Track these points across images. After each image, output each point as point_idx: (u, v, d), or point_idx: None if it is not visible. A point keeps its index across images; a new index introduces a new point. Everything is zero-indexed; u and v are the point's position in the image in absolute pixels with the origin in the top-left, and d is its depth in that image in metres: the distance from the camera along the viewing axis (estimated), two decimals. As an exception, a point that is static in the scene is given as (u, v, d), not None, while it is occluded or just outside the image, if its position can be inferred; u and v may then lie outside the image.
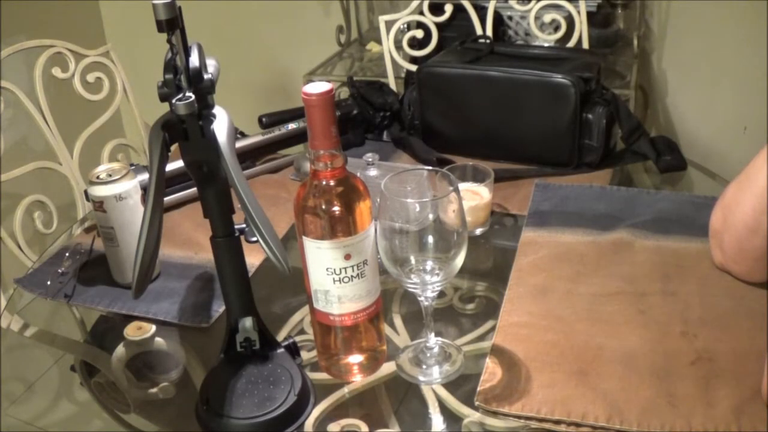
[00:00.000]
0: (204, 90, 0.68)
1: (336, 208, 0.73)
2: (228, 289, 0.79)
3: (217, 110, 0.70)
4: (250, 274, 1.01)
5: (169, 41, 0.66)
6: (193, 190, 1.20)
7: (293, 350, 0.83)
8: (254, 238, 0.69)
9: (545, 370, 0.81)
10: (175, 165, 1.19)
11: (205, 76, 0.68)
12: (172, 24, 0.65)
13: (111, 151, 1.52)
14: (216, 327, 0.92)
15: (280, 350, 0.81)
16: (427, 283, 0.78)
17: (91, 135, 1.50)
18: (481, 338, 0.88)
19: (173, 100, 0.66)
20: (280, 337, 0.90)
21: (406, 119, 1.37)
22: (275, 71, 2.49)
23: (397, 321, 0.92)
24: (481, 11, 1.70)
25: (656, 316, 0.88)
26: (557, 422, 0.74)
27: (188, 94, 0.67)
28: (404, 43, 1.69)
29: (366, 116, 1.37)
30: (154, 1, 0.63)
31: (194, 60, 0.68)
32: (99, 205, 0.96)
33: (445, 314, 0.93)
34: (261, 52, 2.50)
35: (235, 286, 0.79)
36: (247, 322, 0.79)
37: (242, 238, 0.76)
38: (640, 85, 2.03)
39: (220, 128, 0.69)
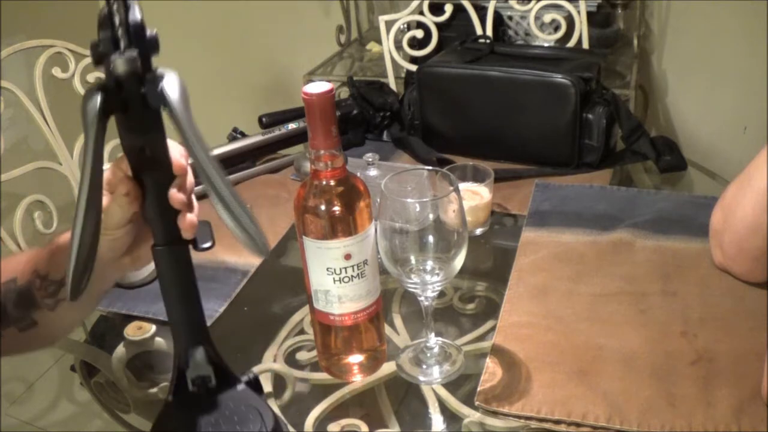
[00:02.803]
0: (148, 47, 0.56)
1: (336, 208, 0.73)
2: (172, 312, 0.64)
3: (165, 73, 0.57)
4: (249, 275, 1.02)
5: None
6: (195, 189, 1.20)
7: (256, 386, 0.68)
8: (206, 244, 0.61)
9: (545, 370, 0.80)
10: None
11: (148, 32, 0.56)
12: None
13: (111, 151, 1.52)
14: (216, 327, 0.92)
15: (241, 386, 0.67)
16: (427, 283, 0.78)
17: (91, 135, 1.49)
18: (481, 338, 0.88)
19: (111, 57, 0.55)
20: (280, 337, 0.90)
21: (406, 119, 1.37)
22: (275, 71, 2.49)
23: (397, 321, 0.92)
24: (481, 11, 1.70)
25: (656, 316, 0.88)
26: (557, 422, 0.74)
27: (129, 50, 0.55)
28: (404, 43, 1.69)
29: (366, 116, 1.37)
30: None
31: (135, 14, 0.56)
32: (99, 205, 0.95)
33: (445, 314, 0.93)
34: (261, 52, 2.50)
35: (181, 308, 0.63)
36: (198, 353, 0.63)
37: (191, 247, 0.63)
38: (640, 85, 2.03)
39: (172, 92, 0.56)
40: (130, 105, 0.56)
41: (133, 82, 0.55)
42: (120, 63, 0.55)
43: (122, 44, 0.55)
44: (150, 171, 0.60)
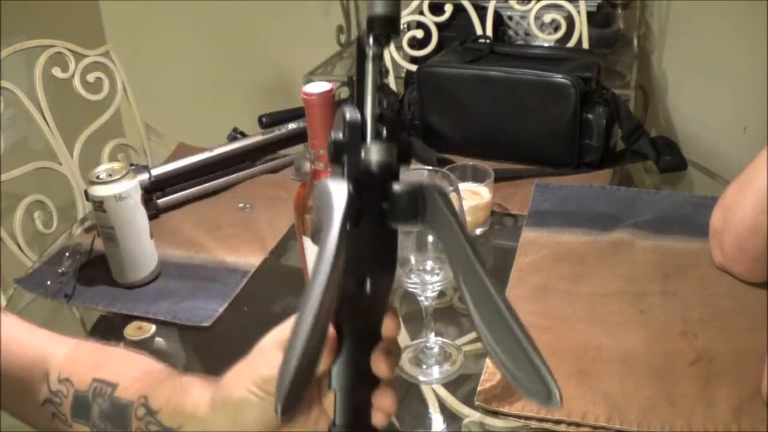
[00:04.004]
0: (403, 148, 0.44)
1: (336, 208, 0.73)
2: None
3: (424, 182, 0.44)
4: (249, 275, 1.02)
5: (378, 54, 0.44)
6: (195, 189, 1.21)
7: None
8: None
9: (545, 370, 0.80)
10: (174, 166, 1.19)
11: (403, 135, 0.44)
12: (393, 23, 0.44)
13: (111, 151, 1.52)
14: (216, 327, 0.92)
15: None
16: (427, 283, 0.78)
17: (91, 135, 1.50)
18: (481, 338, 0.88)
19: (367, 143, 0.43)
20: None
21: (406, 119, 1.37)
22: (275, 71, 2.49)
23: (397, 321, 0.92)
24: (481, 11, 1.70)
25: (656, 316, 0.88)
26: (557, 422, 0.74)
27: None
28: (404, 43, 1.69)
29: (366, 116, 1.37)
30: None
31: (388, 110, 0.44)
32: (99, 205, 0.96)
33: (445, 314, 0.93)
34: (261, 52, 2.50)
35: None
36: None
37: None
38: (640, 85, 2.03)
39: (443, 201, 0.43)
40: (368, 214, 0.43)
41: (381, 182, 0.43)
42: (376, 150, 0.42)
43: (370, 135, 0.43)
44: (359, 318, 0.45)
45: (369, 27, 0.45)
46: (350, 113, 0.43)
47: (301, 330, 0.37)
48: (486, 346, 0.41)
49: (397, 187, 0.43)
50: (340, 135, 0.43)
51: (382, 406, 0.46)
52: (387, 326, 0.46)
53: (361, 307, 0.44)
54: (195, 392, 0.55)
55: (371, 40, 0.44)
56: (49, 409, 0.60)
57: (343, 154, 0.43)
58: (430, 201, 0.43)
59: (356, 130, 0.43)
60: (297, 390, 0.37)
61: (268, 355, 0.50)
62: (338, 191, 0.41)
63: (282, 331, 0.51)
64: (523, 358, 0.41)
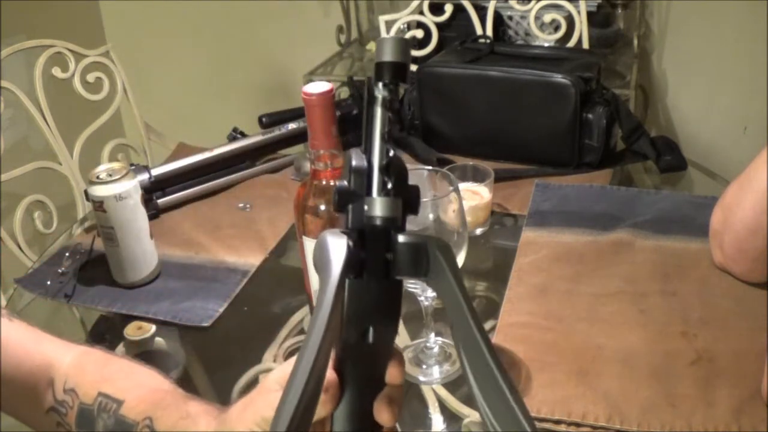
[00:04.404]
0: (411, 200, 0.44)
1: (336, 208, 0.73)
2: None
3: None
4: (249, 275, 1.02)
5: (387, 101, 0.44)
6: (195, 189, 1.21)
7: None
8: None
9: (545, 370, 0.80)
10: (173, 166, 1.19)
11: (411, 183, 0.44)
12: (402, 71, 0.44)
13: (111, 151, 1.52)
14: (216, 327, 0.92)
15: None
16: (427, 283, 0.78)
17: (91, 135, 1.50)
18: (481, 338, 0.88)
19: (373, 196, 0.42)
20: (280, 337, 0.90)
21: (406, 119, 1.37)
22: (275, 71, 2.49)
23: (397, 321, 0.92)
24: (481, 11, 1.70)
25: (656, 316, 0.88)
26: (557, 422, 0.74)
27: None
28: (404, 43, 1.69)
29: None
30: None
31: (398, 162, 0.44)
32: (99, 205, 0.96)
33: (445, 314, 0.93)
34: (261, 52, 2.50)
35: None
36: None
37: None
38: (640, 85, 2.03)
39: (446, 257, 0.43)
40: (372, 266, 0.43)
41: (385, 235, 0.43)
42: (380, 205, 0.42)
43: (376, 188, 0.43)
44: (361, 366, 0.45)
45: (377, 74, 0.44)
46: (356, 160, 0.43)
47: (297, 381, 0.38)
48: (480, 412, 0.40)
49: (402, 239, 0.43)
50: (345, 183, 0.43)
51: None
52: (391, 374, 0.46)
53: (363, 355, 0.44)
54: (201, 423, 0.54)
55: (380, 86, 0.44)
56: (54, 418, 0.60)
57: (348, 204, 0.43)
58: (432, 257, 0.43)
59: (361, 179, 0.43)
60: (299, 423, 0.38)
61: (271, 395, 0.50)
62: (337, 245, 0.42)
63: (284, 369, 0.51)
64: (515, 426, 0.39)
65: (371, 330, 0.43)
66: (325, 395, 0.44)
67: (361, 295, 0.43)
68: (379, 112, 0.44)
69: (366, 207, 0.42)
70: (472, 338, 0.41)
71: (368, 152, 0.43)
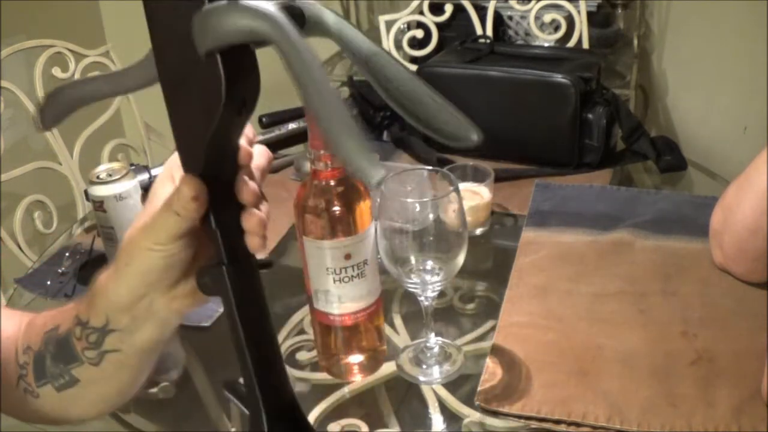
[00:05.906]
0: None
1: (336, 208, 0.74)
2: (247, 362, 0.49)
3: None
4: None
5: None
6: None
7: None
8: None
9: (545, 370, 0.80)
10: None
11: None
12: None
13: (111, 151, 1.52)
14: (216, 327, 0.92)
15: None
16: (427, 283, 0.78)
17: (91, 135, 1.50)
18: (481, 338, 0.88)
19: None
20: (279, 337, 0.90)
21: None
22: (275, 71, 2.49)
23: (397, 321, 0.92)
24: (481, 11, 1.70)
25: (656, 316, 0.88)
26: (557, 422, 0.74)
27: None
28: (404, 43, 1.69)
29: (366, 116, 1.37)
30: None
31: None
32: (99, 205, 0.96)
33: (445, 314, 0.93)
34: (261, 52, 2.49)
35: (258, 354, 0.49)
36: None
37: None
38: (640, 85, 2.03)
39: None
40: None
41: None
42: None
43: None
44: (224, 158, 0.47)
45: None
46: None
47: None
48: (398, 110, 0.43)
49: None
50: None
51: (250, 227, 0.47)
52: (242, 155, 0.50)
53: (223, 146, 0.47)
54: (102, 278, 0.56)
55: None
56: (21, 387, 0.59)
57: None
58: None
59: None
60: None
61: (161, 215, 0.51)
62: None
63: (169, 165, 0.53)
64: (435, 106, 0.43)
65: (246, 103, 0.45)
66: (197, 202, 0.47)
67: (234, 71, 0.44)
68: None
69: None
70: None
71: None
